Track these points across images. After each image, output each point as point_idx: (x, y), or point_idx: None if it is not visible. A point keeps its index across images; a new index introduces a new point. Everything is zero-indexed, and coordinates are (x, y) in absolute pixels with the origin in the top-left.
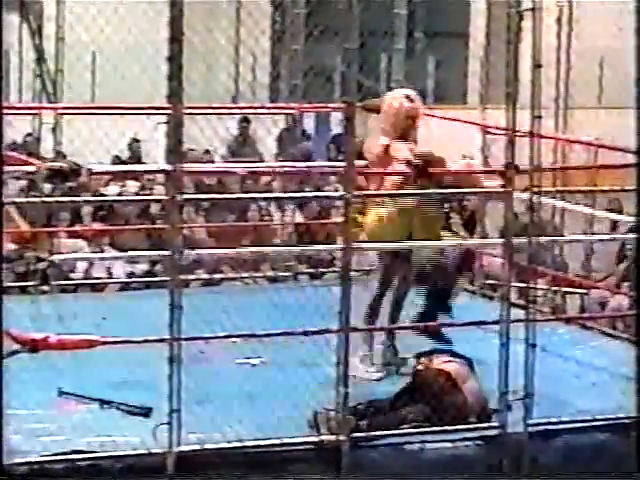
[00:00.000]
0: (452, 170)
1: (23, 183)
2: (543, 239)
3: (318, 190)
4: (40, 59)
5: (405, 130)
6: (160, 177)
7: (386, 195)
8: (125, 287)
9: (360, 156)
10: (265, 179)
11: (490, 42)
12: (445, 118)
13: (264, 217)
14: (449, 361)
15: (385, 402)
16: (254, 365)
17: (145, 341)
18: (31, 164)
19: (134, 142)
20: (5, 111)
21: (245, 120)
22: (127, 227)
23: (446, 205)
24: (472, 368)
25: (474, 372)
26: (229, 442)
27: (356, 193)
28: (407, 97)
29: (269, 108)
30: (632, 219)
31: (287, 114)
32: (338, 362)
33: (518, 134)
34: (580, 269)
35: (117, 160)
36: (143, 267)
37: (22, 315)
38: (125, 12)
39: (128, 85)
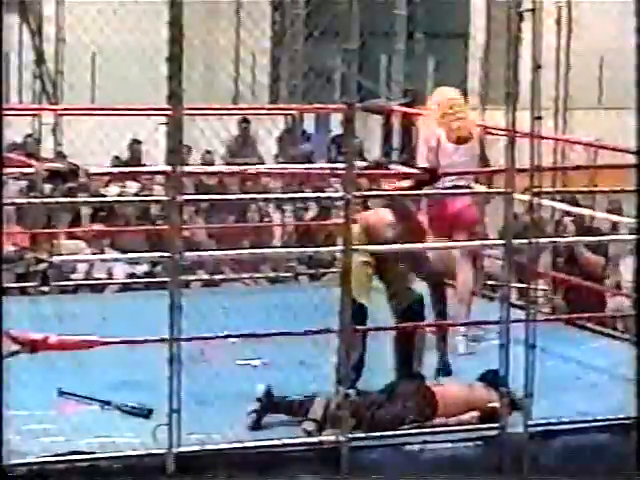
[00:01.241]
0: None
1: (23, 184)
2: (543, 240)
3: (318, 191)
4: (40, 60)
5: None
6: (160, 178)
7: (386, 195)
8: (125, 288)
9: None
10: (265, 180)
11: (490, 43)
12: None
13: (264, 218)
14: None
15: (378, 396)
16: (254, 366)
17: (145, 341)
18: (30, 165)
19: (134, 143)
20: (5, 112)
21: (245, 121)
22: (127, 228)
23: None
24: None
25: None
26: (229, 443)
27: (356, 194)
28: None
29: (269, 109)
30: (632, 220)
31: (287, 115)
32: (339, 363)
33: (518, 135)
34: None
35: (117, 161)
36: (143, 268)
37: (22, 316)
38: (125, 13)
39: (128, 86)
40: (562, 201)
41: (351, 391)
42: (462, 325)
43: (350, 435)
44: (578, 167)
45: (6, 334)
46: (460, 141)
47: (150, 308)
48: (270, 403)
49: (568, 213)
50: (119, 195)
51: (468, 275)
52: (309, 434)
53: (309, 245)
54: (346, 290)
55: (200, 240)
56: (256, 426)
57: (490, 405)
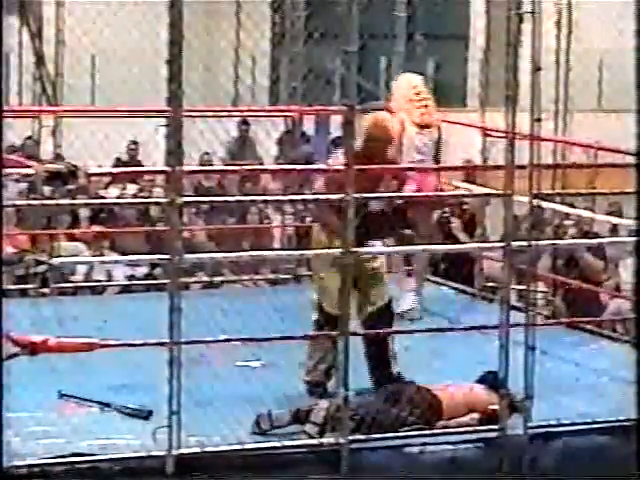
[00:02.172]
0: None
1: (23, 186)
2: (543, 243)
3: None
4: (40, 62)
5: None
6: (159, 179)
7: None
8: (125, 290)
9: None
10: (264, 182)
11: (490, 45)
12: (445, 121)
13: (263, 220)
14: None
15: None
16: (254, 368)
17: (145, 344)
18: (29, 166)
19: (132, 144)
20: (5, 114)
21: (245, 123)
22: (127, 230)
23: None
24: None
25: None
26: (229, 445)
27: (356, 195)
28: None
29: (269, 111)
30: (631, 222)
31: (287, 117)
32: (338, 365)
33: (518, 137)
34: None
35: (119, 162)
36: (143, 270)
37: (22, 318)
38: (125, 15)
39: (128, 88)
40: (561, 204)
41: (350, 394)
42: (463, 329)
43: (350, 437)
44: (579, 166)
45: (6, 336)
46: (424, 126)
47: (150, 310)
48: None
49: (567, 215)
50: (119, 197)
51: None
52: (310, 437)
53: (309, 247)
54: (343, 292)
55: (200, 242)
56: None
57: (490, 407)
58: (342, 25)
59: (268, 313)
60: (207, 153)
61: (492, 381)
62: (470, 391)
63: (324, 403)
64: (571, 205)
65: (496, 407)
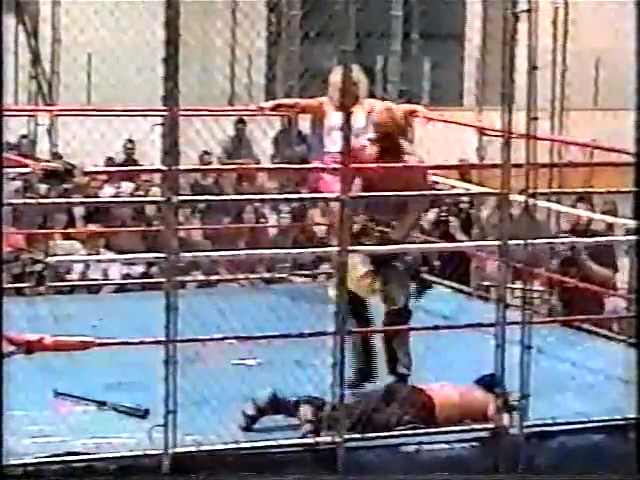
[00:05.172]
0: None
1: (18, 184)
2: (539, 241)
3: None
4: (36, 60)
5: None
6: (155, 178)
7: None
8: (121, 289)
9: None
10: (260, 181)
11: (486, 44)
12: (441, 120)
13: (259, 219)
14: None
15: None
16: (250, 366)
17: (141, 343)
18: (25, 165)
19: (128, 143)
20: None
21: (241, 122)
22: (123, 229)
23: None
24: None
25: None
26: (225, 443)
27: (352, 195)
28: None
29: None
30: (628, 221)
31: (283, 116)
32: (334, 363)
33: (514, 135)
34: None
35: (110, 162)
36: (139, 269)
37: (18, 317)
38: (121, 14)
39: (124, 87)
40: (558, 203)
41: (347, 392)
42: (458, 328)
43: (346, 436)
44: (576, 164)
45: (2, 335)
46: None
47: (146, 309)
48: (268, 408)
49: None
50: (114, 196)
51: None
52: (304, 436)
53: (306, 245)
54: (342, 291)
55: (196, 241)
56: (248, 428)
57: (489, 414)
58: (338, 24)
59: (264, 311)
60: (207, 152)
61: (489, 382)
62: (466, 391)
63: (306, 402)
64: (571, 207)
65: (492, 408)
